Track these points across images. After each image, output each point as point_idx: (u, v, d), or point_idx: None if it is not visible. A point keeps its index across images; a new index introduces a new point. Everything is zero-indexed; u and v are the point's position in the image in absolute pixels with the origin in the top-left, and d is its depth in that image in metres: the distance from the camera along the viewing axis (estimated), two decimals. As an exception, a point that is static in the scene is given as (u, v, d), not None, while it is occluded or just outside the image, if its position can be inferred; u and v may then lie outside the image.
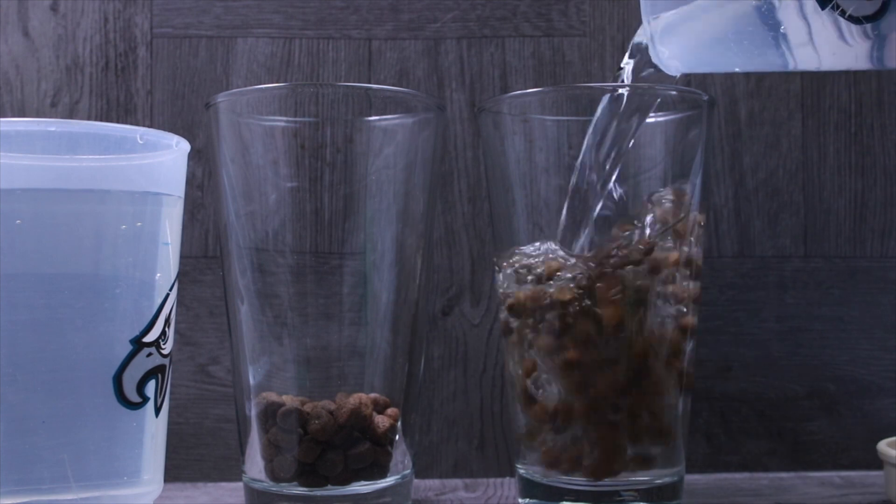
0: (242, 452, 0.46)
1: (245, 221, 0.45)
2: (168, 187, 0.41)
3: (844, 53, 0.36)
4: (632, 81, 0.45)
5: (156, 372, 0.41)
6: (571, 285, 0.43)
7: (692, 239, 0.45)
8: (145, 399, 0.40)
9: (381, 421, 0.44)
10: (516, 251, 0.46)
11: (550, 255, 0.44)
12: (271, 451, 0.44)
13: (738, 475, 0.58)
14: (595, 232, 0.44)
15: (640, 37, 0.44)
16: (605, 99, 0.44)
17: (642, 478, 0.45)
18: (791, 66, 0.38)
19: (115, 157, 0.40)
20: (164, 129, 0.43)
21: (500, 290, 0.47)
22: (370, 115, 0.45)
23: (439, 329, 0.59)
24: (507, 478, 0.57)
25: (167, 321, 0.41)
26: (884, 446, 0.49)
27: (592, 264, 0.43)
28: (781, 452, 0.59)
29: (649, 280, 0.43)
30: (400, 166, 0.45)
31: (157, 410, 0.41)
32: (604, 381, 0.43)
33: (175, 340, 0.43)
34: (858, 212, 0.60)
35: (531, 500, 0.46)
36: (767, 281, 0.60)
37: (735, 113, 0.60)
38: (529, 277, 0.44)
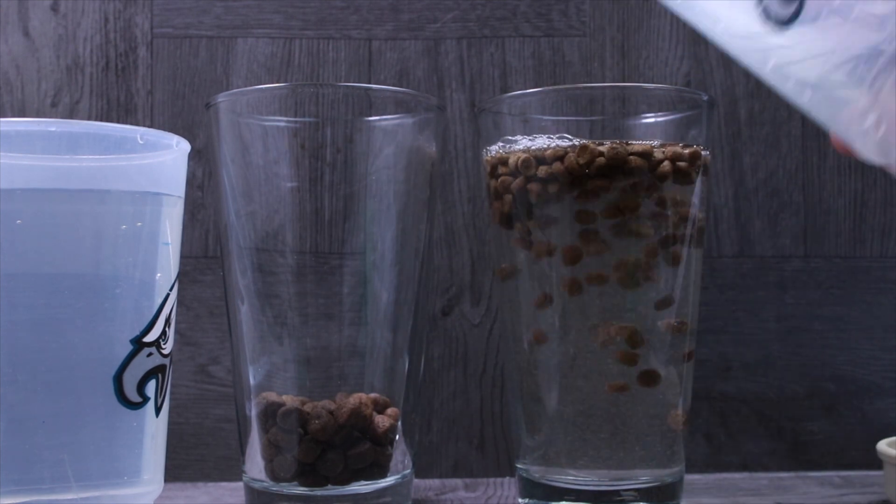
0: (242, 452, 0.46)
1: (245, 221, 0.45)
2: (168, 187, 0.41)
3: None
4: None
5: (156, 372, 0.41)
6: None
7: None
8: (145, 399, 0.40)
9: (381, 421, 0.44)
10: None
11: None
12: (271, 451, 0.44)
13: (738, 475, 0.58)
14: None
15: None
16: None
17: (642, 477, 0.45)
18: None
19: (116, 157, 0.40)
20: (165, 129, 0.43)
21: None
22: (370, 115, 0.45)
23: (439, 329, 0.59)
24: (507, 478, 0.57)
25: (167, 321, 0.41)
26: (884, 446, 0.49)
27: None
28: (781, 452, 0.59)
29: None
30: (400, 166, 0.45)
31: (158, 410, 0.41)
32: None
33: (175, 340, 0.43)
34: (858, 212, 0.60)
35: (531, 500, 0.46)
36: (767, 281, 0.60)
37: (735, 113, 0.60)
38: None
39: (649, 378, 0.44)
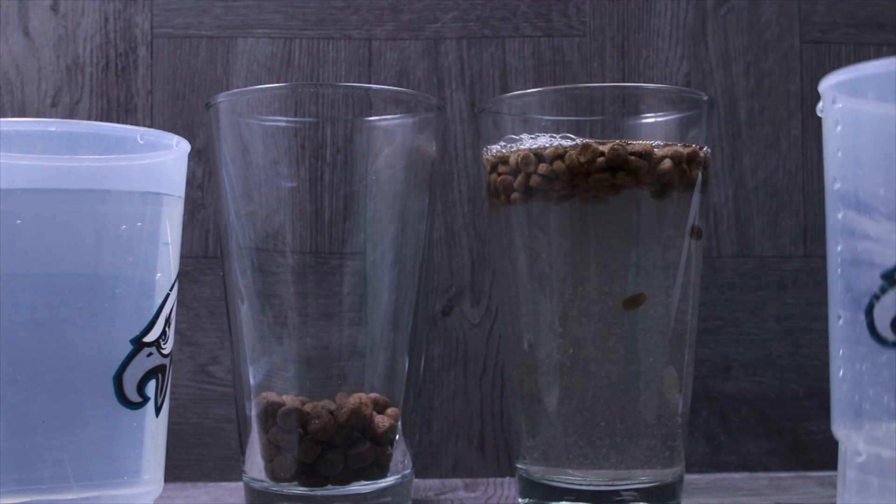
0: (243, 452, 0.46)
1: (245, 221, 0.45)
2: (168, 187, 0.41)
3: None
4: None
5: (156, 372, 0.41)
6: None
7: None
8: (145, 399, 0.40)
9: (381, 421, 0.44)
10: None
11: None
12: (271, 451, 0.44)
13: (738, 475, 0.58)
14: None
15: None
16: None
17: (642, 477, 0.45)
18: None
19: (116, 157, 0.40)
20: (165, 129, 0.43)
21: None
22: (370, 115, 0.45)
23: (439, 329, 0.59)
24: (507, 478, 0.57)
25: (167, 321, 0.41)
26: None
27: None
28: (781, 452, 0.59)
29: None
30: (400, 166, 0.45)
31: (158, 410, 0.41)
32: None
33: (175, 340, 0.43)
34: (858, 212, 0.60)
35: (531, 500, 0.46)
36: (767, 281, 0.60)
37: (735, 113, 0.60)
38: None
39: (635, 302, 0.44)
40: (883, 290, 0.38)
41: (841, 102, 0.39)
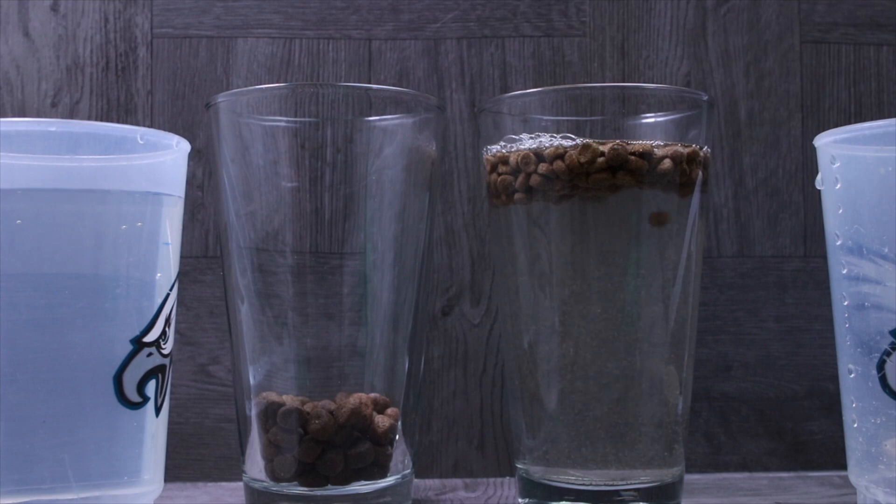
0: (243, 452, 0.46)
1: (245, 221, 0.45)
2: (168, 187, 0.41)
3: None
4: None
5: (156, 372, 0.41)
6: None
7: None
8: (145, 399, 0.40)
9: (381, 421, 0.44)
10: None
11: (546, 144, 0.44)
12: (271, 451, 0.44)
13: (737, 475, 0.58)
14: None
15: None
16: None
17: (642, 477, 0.45)
18: None
19: (116, 158, 0.40)
20: (165, 129, 0.44)
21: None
22: (370, 115, 0.45)
23: (439, 329, 0.59)
24: (507, 477, 0.57)
25: (167, 321, 0.41)
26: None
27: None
28: (781, 452, 0.59)
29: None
30: (400, 166, 0.45)
31: (158, 410, 0.41)
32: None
33: (175, 340, 0.43)
34: (858, 212, 0.61)
35: (531, 500, 0.46)
36: (767, 281, 0.60)
37: (735, 113, 0.60)
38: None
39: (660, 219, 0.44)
40: (893, 348, 0.39)
41: (839, 161, 0.41)
